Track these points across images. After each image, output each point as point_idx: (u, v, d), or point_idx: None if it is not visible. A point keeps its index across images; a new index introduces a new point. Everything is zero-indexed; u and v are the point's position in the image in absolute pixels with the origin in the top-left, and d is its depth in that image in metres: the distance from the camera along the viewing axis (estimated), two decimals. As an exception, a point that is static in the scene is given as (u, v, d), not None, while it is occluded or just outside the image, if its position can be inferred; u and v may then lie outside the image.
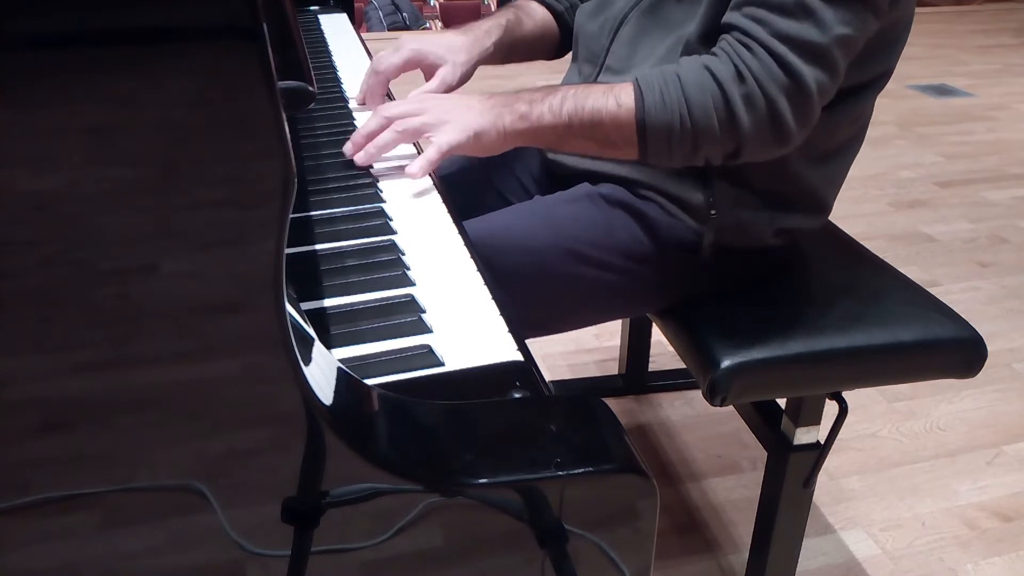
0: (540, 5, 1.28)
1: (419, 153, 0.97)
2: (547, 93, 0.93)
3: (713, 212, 1.02)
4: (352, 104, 1.20)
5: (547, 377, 0.71)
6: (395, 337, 0.66)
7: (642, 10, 1.06)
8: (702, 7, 0.96)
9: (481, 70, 1.20)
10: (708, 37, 0.96)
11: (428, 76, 1.17)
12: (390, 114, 0.94)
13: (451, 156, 0.94)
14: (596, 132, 0.91)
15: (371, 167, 0.97)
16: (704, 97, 0.88)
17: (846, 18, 0.87)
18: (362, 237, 0.82)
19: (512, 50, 1.24)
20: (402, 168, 0.96)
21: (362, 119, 1.15)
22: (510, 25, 1.22)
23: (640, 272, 1.06)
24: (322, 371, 0.52)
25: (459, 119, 0.91)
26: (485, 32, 1.19)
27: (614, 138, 0.91)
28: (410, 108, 0.94)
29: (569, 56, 1.31)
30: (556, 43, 1.30)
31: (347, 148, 0.96)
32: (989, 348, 1.08)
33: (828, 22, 0.86)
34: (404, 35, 1.21)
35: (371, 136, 0.94)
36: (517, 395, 0.60)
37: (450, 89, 1.16)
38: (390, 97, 1.23)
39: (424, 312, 0.70)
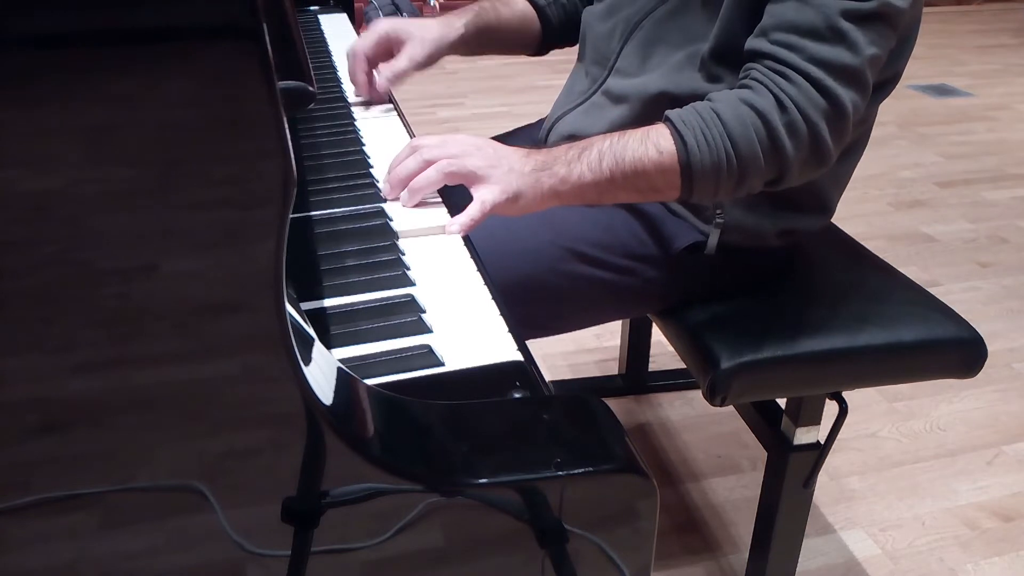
0: None
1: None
2: (582, 150, 0.90)
3: (719, 211, 1.02)
4: (352, 103, 1.20)
5: (547, 377, 0.70)
6: (395, 337, 0.66)
7: (658, 17, 1.05)
8: (717, 23, 0.96)
9: (481, 72, 1.19)
10: (720, 55, 0.96)
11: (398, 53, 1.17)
12: (430, 156, 0.89)
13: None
14: (639, 182, 0.90)
15: (370, 164, 0.96)
16: (747, 131, 0.87)
17: (874, 38, 0.88)
18: (362, 237, 0.82)
19: (486, 36, 1.22)
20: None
21: (364, 121, 1.15)
22: (483, 11, 1.22)
23: (642, 272, 1.06)
24: (322, 371, 0.52)
25: (502, 178, 0.88)
26: (456, 15, 1.20)
27: (658, 185, 0.90)
28: (450, 150, 0.89)
29: (570, 56, 1.31)
30: (537, 38, 1.29)
31: (385, 190, 0.91)
32: (989, 348, 1.08)
33: (860, 44, 0.87)
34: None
35: (410, 176, 0.89)
36: (517, 395, 0.60)
37: (419, 66, 1.16)
38: (393, 101, 1.23)
39: (424, 312, 0.70)
